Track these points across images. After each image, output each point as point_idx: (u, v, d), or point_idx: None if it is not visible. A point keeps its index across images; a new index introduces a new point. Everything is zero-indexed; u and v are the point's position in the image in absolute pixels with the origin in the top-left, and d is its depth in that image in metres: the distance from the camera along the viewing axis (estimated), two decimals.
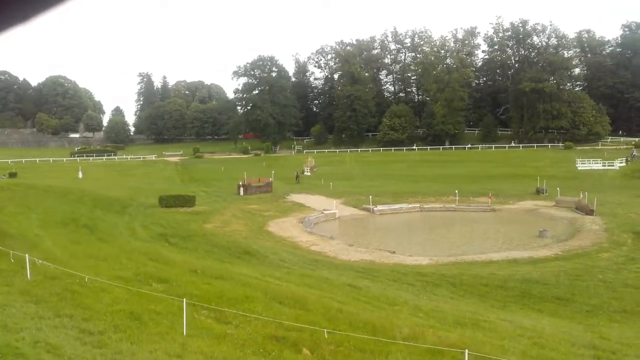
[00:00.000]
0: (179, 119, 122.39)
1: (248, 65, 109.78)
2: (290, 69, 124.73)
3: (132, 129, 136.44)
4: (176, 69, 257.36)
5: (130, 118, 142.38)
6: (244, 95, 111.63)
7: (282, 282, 17.48)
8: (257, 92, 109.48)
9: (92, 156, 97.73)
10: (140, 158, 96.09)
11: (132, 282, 14.32)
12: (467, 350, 9.01)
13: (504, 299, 18.98)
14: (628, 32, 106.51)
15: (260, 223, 36.99)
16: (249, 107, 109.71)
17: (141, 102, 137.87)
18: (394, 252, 27.88)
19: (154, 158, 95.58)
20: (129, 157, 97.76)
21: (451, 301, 17.92)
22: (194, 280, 15.68)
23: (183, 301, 10.84)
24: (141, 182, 60.25)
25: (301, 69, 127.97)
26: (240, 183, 51.87)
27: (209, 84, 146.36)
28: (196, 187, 55.02)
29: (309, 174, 72.43)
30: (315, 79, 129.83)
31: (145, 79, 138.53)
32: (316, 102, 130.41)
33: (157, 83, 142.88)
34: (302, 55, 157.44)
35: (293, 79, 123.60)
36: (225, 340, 10.29)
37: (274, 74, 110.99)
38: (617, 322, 16.03)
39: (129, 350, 9.17)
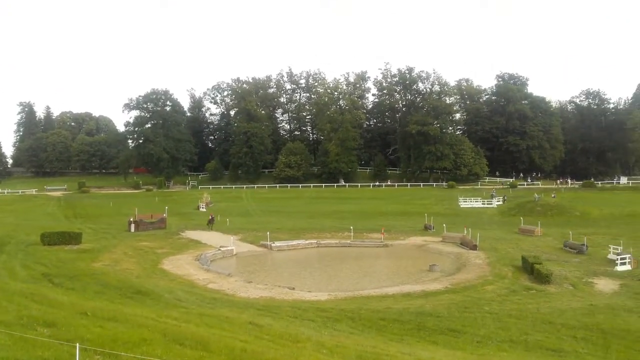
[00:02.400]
0: (63, 151, 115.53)
1: (141, 98, 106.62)
2: (185, 104, 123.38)
3: (10, 161, 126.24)
4: (61, 99, 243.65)
5: (9, 149, 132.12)
6: (136, 129, 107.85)
7: (180, 323, 16.73)
8: (149, 125, 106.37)
9: None
10: (19, 192, 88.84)
11: (14, 327, 12.98)
12: None
13: (400, 332, 19.54)
14: (502, 82, 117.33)
15: (154, 261, 35.41)
16: (140, 141, 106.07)
17: (21, 133, 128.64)
18: (293, 288, 27.86)
19: (34, 192, 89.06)
20: (6, 191, 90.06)
21: (352, 336, 18.13)
22: (84, 323, 14.53)
23: (75, 346, 10.02)
24: (20, 219, 55.66)
25: (196, 104, 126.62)
26: (131, 219, 49.64)
27: (97, 115, 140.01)
28: (82, 224, 51.80)
29: (204, 209, 70.94)
30: (211, 114, 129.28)
31: (26, 109, 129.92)
32: (212, 137, 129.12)
33: (40, 113, 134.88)
34: (197, 90, 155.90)
35: (188, 114, 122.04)
36: None
37: (168, 108, 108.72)
38: (505, 352, 17.07)
39: None
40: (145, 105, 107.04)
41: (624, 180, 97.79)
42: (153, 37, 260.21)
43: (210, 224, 53.18)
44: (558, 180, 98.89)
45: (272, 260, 40.56)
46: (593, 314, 23.01)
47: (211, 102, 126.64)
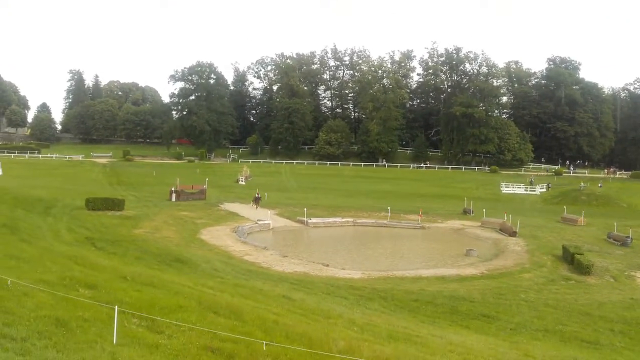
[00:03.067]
0: (109, 119, 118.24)
1: (186, 70, 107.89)
2: (229, 77, 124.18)
3: (59, 127, 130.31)
4: (109, 69, 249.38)
5: (58, 116, 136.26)
6: (180, 100, 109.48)
7: (215, 292, 17.11)
8: (193, 97, 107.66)
9: (14, 153, 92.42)
10: (66, 158, 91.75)
11: (57, 287, 13.55)
12: None
13: (433, 315, 19.47)
14: (552, 66, 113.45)
15: (193, 230, 36.16)
16: (184, 113, 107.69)
17: (70, 100, 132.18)
18: (327, 265, 28.02)
19: (81, 158, 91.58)
20: (54, 156, 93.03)
21: (383, 315, 18.17)
22: (123, 287, 15.04)
23: (114, 308, 10.35)
24: (67, 183, 57.52)
25: (240, 78, 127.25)
26: (173, 189, 50.64)
27: (143, 86, 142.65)
28: (125, 191, 53.17)
29: (243, 183, 71.80)
30: (254, 89, 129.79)
31: (76, 77, 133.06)
32: (254, 112, 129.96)
33: (89, 81, 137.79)
34: (241, 64, 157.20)
35: (231, 88, 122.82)
36: (158, 350, 9.89)
37: (212, 81, 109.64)
38: (539, 340, 16.80)
39: (55, 358, 8.65)
40: (190, 78, 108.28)
41: None
42: (199, 9, 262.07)
43: (256, 203, 49.56)
44: (607, 169, 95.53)
45: (308, 236, 40.87)
46: (633, 308, 22.38)
47: (254, 76, 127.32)
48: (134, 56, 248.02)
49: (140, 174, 73.32)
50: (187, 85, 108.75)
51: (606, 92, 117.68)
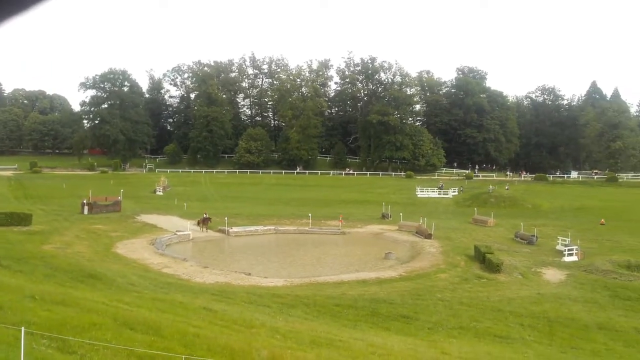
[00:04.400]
0: (14, 129, 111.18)
1: (97, 77, 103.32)
2: (144, 85, 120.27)
3: None
4: (13, 77, 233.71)
5: None
6: (92, 109, 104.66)
7: (132, 307, 16.49)
8: (106, 106, 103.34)
9: None
10: None
11: None
12: None
13: (355, 318, 19.81)
14: (461, 75, 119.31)
15: (107, 244, 34.71)
16: (96, 122, 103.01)
17: None
18: (249, 274, 27.82)
19: None
20: None
21: (306, 322, 18.27)
22: (31, 307, 14.15)
23: (20, 330, 9.74)
24: None
25: (155, 86, 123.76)
26: (85, 201, 48.39)
27: (51, 94, 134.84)
28: (33, 205, 50.13)
29: (161, 193, 69.81)
30: (171, 97, 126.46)
31: None
32: (171, 120, 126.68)
33: None
34: (157, 71, 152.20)
35: (146, 95, 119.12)
36: None
37: (125, 89, 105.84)
38: (455, 338, 17.53)
39: None
40: (102, 85, 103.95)
41: (574, 174, 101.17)
42: (111, 14, 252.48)
43: (204, 225, 44.10)
44: (509, 173, 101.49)
45: (229, 246, 40.36)
46: (540, 302, 23.86)
47: (171, 84, 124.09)
48: (40, 63, 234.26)
49: (49, 187, 69.33)
50: (99, 93, 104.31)
51: (510, 100, 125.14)
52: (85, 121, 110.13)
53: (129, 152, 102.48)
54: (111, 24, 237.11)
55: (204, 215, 45.27)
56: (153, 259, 30.98)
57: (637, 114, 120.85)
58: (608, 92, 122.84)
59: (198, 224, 44.59)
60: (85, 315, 13.92)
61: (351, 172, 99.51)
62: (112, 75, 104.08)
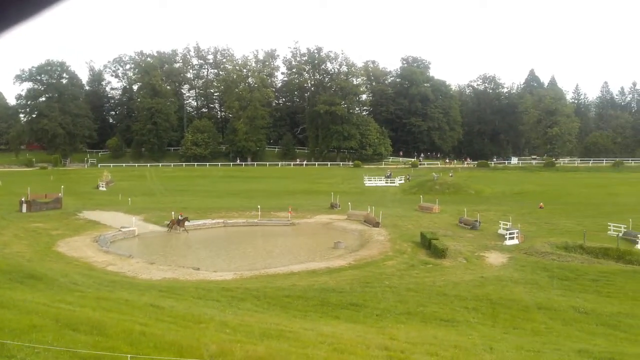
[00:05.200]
0: None
1: (34, 69, 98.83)
2: (84, 77, 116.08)
3: None
4: None
5: None
6: (28, 102, 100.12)
7: (75, 308, 16.01)
8: (44, 99, 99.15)
9: None
10: None
11: None
12: None
13: (305, 309, 19.92)
14: (406, 65, 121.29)
15: (48, 243, 33.44)
16: (34, 115, 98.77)
17: None
18: (198, 269, 27.49)
19: None
20: None
21: (256, 314, 18.24)
22: None
23: None
24: None
25: (96, 78, 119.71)
26: (23, 199, 46.38)
27: None
28: None
29: (104, 189, 67.85)
30: (112, 88, 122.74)
31: None
32: (113, 113, 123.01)
33: None
34: (97, 63, 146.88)
35: (87, 88, 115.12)
36: None
37: (64, 81, 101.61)
38: (403, 324, 17.92)
39: None
40: (39, 78, 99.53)
41: (514, 160, 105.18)
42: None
43: (175, 227, 41.33)
44: (447, 160, 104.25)
45: (177, 241, 39.65)
46: (483, 285, 24.70)
47: (112, 75, 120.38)
48: None
49: None
50: (36, 86, 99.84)
51: (453, 89, 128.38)
52: (22, 115, 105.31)
53: (69, 146, 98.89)
54: (48, 15, 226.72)
55: (180, 217, 42.22)
56: (97, 257, 30.12)
57: (573, 100, 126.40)
58: (545, 80, 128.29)
59: (169, 226, 41.49)
60: (25, 317, 13.43)
61: (300, 162, 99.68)
62: (49, 67, 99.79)
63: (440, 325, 18.60)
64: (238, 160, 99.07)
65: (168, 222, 42.02)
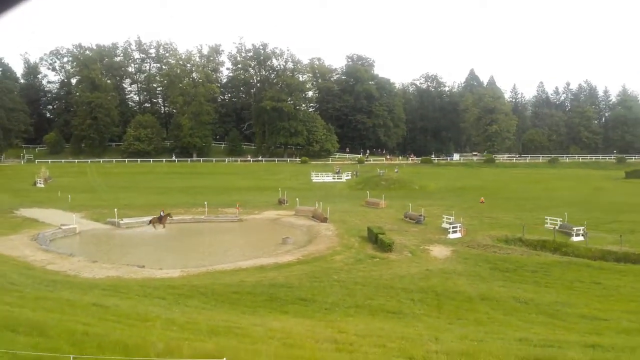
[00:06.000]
0: None
1: None
2: (18, 70, 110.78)
3: None
4: None
5: None
6: None
7: (14, 308, 15.35)
8: None
9: None
10: None
11: None
12: (224, 359, 9.29)
13: (253, 305, 19.86)
14: (351, 63, 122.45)
15: None
16: None
17: None
18: (143, 267, 26.85)
19: None
20: None
21: (204, 311, 18.04)
22: None
23: None
24: None
25: (31, 71, 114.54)
26: None
27: None
28: None
29: (42, 185, 65.23)
30: (49, 82, 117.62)
31: None
32: (50, 107, 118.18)
33: None
34: (32, 55, 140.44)
35: (22, 81, 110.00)
36: None
37: None
38: (351, 317, 18.17)
39: None
40: None
41: (456, 157, 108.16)
42: None
43: (159, 223, 40.81)
44: (388, 156, 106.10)
45: (121, 238, 38.59)
46: (428, 278, 25.35)
47: (49, 68, 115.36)
48: None
49: None
50: None
51: (397, 87, 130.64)
52: None
53: (3, 141, 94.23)
54: None
55: (161, 213, 41.61)
56: (36, 256, 28.92)
57: (511, 99, 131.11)
58: (485, 79, 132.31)
59: (151, 223, 40.67)
60: None
61: (248, 158, 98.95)
62: None
63: (388, 317, 18.97)
64: (183, 157, 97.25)
65: (149, 220, 41.19)
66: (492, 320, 19.01)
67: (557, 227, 38.51)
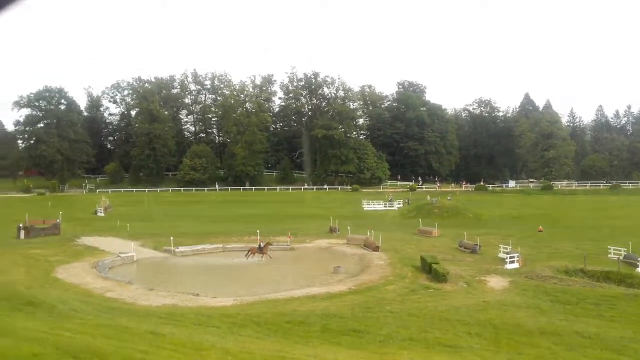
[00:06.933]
0: None
1: (32, 95, 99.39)
2: (82, 103, 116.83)
3: None
4: None
5: None
6: (27, 128, 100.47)
7: (75, 335, 15.80)
8: (42, 125, 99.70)
9: None
10: None
11: None
12: None
13: (306, 335, 19.67)
14: (402, 89, 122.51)
15: (47, 269, 33.16)
16: (32, 142, 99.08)
17: None
18: (197, 295, 27.23)
19: None
20: None
21: (257, 341, 18.01)
22: None
23: None
24: None
25: (94, 104, 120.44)
26: (21, 225, 46.23)
27: None
28: None
29: (102, 214, 67.64)
30: (110, 114, 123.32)
31: None
32: (111, 138, 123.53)
33: None
34: (95, 89, 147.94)
35: (85, 114, 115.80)
36: None
37: (62, 107, 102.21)
38: (406, 350, 17.68)
39: None
40: (37, 104, 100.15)
41: (512, 184, 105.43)
42: (43, 29, 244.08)
43: (260, 253, 40.68)
44: (437, 184, 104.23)
45: (176, 266, 39.38)
46: (485, 310, 24.46)
47: (110, 101, 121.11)
48: None
49: None
50: (34, 112, 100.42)
51: (449, 113, 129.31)
52: (20, 141, 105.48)
53: (67, 172, 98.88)
54: (46, 40, 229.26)
55: (260, 244, 41.76)
56: (96, 283, 29.86)
57: (568, 124, 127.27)
58: (540, 103, 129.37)
59: (250, 254, 40.41)
60: (25, 344, 13.22)
61: (298, 187, 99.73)
62: (47, 94, 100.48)
63: (444, 351, 18.36)
64: (236, 185, 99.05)
65: (249, 251, 40.92)
66: (554, 356, 18.09)
67: (621, 258, 36.71)
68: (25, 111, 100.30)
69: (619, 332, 21.46)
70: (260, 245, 41.77)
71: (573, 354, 18.41)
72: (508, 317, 23.16)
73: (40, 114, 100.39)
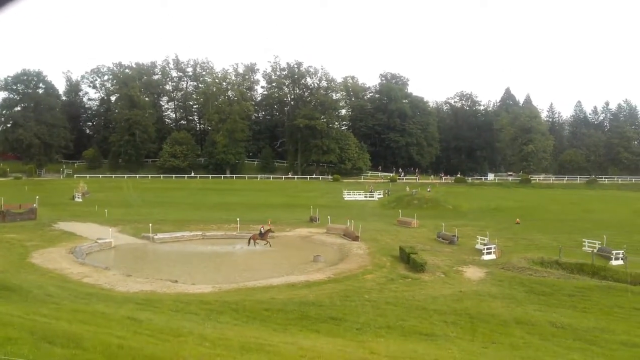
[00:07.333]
0: None
1: (10, 78, 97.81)
2: (61, 87, 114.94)
3: None
4: None
5: None
6: (4, 112, 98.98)
7: (50, 320, 15.68)
8: (19, 109, 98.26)
9: None
10: None
11: None
12: None
13: (284, 322, 19.77)
14: (384, 81, 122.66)
15: (22, 254, 32.76)
16: (9, 125, 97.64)
17: None
18: (176, 281, 27.15)
19: None
20: None
21: (235, 328, 18.06)
22: None
23: None
24: None
25: (73, 88, 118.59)
26: None
27: None
28: None
29: (80, 200, 66.87)
30: (90, 99, 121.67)
31: None
32: (90, 123, 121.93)
33: None
34: (74, 73, 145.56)
35: (64, 98, 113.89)
36: None
37: (40, 91, 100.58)
38: (382, 337, 17.89)
39: None
40: (15, 87, 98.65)
41: (491, 176, 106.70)
42: (24, 11, 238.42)
43: (262, 239, 40.99)
44: (416, 176, 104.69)
45: (155, 253, 39.14)
46: (462, 300, 24.85)
47: (90, 86, 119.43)
48: None
49: None
50: (12, 96, 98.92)
51: (431, 106, 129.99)
52: None
53: (44, 157, 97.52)
54: (25, 23, 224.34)
55: (261, 229, 41.67)
56: (72, 269, 29.56)
57: (547, 119, 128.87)
58: (521, 98, 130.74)
59: (251, 241, 40.42)
60: (0, 329, 13.12)
61: (279, 176, 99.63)
62: (25, 77, 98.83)
63: (420, 339, 18.62)
64: (217, 173, 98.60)
65: (251, 238, 40.78)
66: (528, 345, 18.47)
67: (595, 250, 37.42)
68: (3, 94, 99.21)
69: (591, 322, 21.99)
70: (261, 230, 41.72)
71: (546, 343, 18.82)
72: (484, 307, 23.56)
73: (18, 98, 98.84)
